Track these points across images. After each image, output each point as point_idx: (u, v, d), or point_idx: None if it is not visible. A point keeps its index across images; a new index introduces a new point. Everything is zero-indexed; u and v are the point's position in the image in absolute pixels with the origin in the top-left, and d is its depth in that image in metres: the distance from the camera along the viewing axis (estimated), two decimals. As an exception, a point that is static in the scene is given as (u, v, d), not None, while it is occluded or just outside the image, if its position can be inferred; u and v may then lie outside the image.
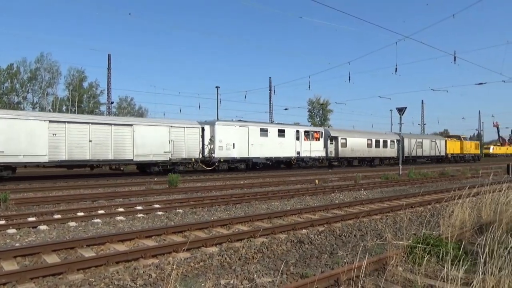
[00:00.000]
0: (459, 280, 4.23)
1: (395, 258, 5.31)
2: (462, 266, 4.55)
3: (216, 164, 25.62)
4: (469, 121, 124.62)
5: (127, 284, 4.89)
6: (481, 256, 4.19)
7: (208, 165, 25.52)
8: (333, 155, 34.35)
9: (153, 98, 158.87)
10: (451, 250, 5.30)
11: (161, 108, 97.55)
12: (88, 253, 6.32)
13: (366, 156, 37.32)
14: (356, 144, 35.97)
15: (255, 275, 5.19)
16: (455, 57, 21.04)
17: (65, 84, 56.66)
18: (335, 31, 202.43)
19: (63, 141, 19.71)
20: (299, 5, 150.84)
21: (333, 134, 34.67)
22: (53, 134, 19.36)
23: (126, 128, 22.00)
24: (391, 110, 66.99)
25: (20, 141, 18.46)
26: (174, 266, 4.94)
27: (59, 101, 55.20)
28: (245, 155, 27.01)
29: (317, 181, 18.82)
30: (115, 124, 21.69)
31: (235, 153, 26.44)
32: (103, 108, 55.41)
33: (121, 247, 6.70)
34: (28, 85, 54.10)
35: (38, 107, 53.84)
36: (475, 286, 3.61)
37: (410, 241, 5.74)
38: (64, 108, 55.14)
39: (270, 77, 68.50)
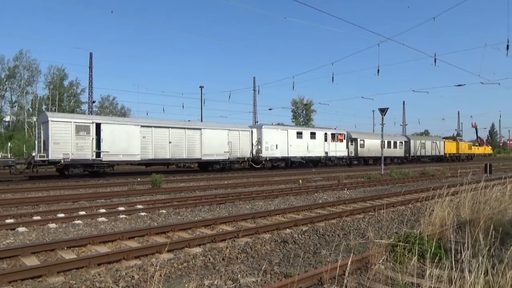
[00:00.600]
0: (439, 277, 4.33)
1: (377, 257, 5.39)
2: (441, 264, 4.66)
3: (263, 162, 29.54)
4: (449, 121, 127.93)
5: (109, 286, 4.81)
6: (461, 254, 4.29)
7: (256, 163, 29.45)
8: (353, 154, 38.63)
9: (135, 97, 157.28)
10: (432, 248, 5.41)
11: (144, 108, 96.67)
12: (69, 255, 6.19)
13: (380, 156, 39.50)
14: (372, 145, 40.25)
15: (239, 275, 5.19)
16: (435, 59, 21.49)
17: (45, 82, 55.47)
18: (319, 32, 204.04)
19: (150, 143, 23.72)
20: (283, 5, 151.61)
21: (353, 136, 39.15)
22: (143, 137, 23.35)
23: (196, 132, 26.15)
24: (373, 111, 68.13)
25: (120, 143, 22.52)
26: (157, 267, 4.91)
27: (38, 100, 53.99)
28: (285, 154, 31.11)
29: (300, 181, 18.93)
30: (187, 128, 25.89)
31: (278, 153, 30.62)
32: (84, 107, 54.48)
33: (103, 249, 6.59)
34: (6, 83, 52.68)
35: (17, 106, 52.55)
36: (454, 284, 3.70)
37: (391, 240, 5.84)
38: (44, 107, 53.91)
39: (254, 77, 68.75)
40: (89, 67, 46.70)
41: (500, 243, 4.81)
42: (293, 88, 40.13)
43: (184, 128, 25.72)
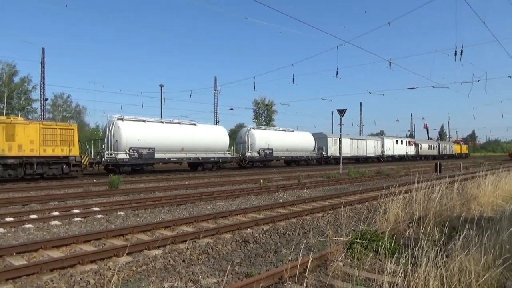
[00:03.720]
0: (393, 272, 4.51)
1: (336, 254, 5.54)
2: (396, 258, 4.85)
3: (384, 158, 52.38)
4: (402, 122, 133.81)
5: (62, 293, 4.61)
6: (414, 249, 4.50)
7: (381, 158, 52.06)
8: (415, 153, 60.31)
9: (92, 95, 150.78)
10: (387, 244, 5.64)
11: (100, 106, 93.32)
12: (19, 261, 5.86)
13: (427, 154, 64.24)
14: (424, 148, 63.98)
15: (200, 276, 5.14)
16: (390, 63, 22.30)
17: (-8, 78, 51.96)
18: (280, 33, 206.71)
19: (350, 147, 45.58)
20: (244, 5, 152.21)
21: (416, 141, 63.19)
22: (350, 144, 45.73)
23: (364, 141, 49.81)
24: (332, 112, 70.08)
25: (346, 147, 42.81)
26: (115, 271, 4.75)
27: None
28: (391, 154, 54.43)
29: (261, 180, 19.05)
30: (361, 139, 50.01)
31: (389, 153, 54.05)
32: (36, 105, 51.69)
33: (56, 254, 6.30)
34: None
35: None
36: (408, 277, 3.87)
37: (349, 237, 6.02)
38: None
39: (215, 77, 68.23)
40: (41, 63, 44.50)
41: (448, 237, 5.10)
42: (254, 88, 40.45)
43: (359, 139, 49.42)
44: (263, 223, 8.87)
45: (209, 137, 29.08)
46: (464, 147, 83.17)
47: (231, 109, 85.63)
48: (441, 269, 3.75)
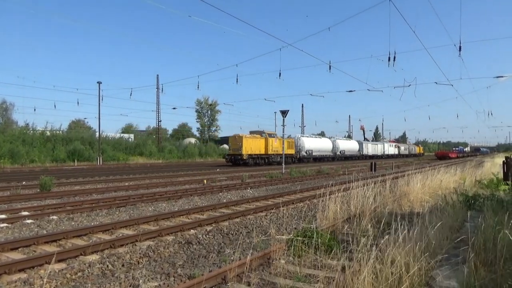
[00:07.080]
0: (332, 267, 4.70)
1: (278, 252, 5.66)
2: (334, 254, 5.07)
3: (384, 156, 76.24)
4: (341, 124, 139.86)
5: (-15, 306, 4.23)
6: (351, 245, 4.73)
7: (383, 156, 72.54)
8: (398, 153, 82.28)
9: (21, 91, 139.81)
10: (326, 240, 5.86)
11: (30, 103, 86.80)
12: None
13: (403, 153, 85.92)
14: (402, 149, 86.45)
15: (141, 281, 4.98)
16: (330, 66, 23.10)
17: None
18: (224, 33, 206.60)
19: (372, 149, 71.73)
20: (188, 3, 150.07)
21: (398, 145, 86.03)
22: (371, 147, 72.69)
23: (377, 145, 77.35)
24: (275, 112, 71.41)
25: (370, 149, 72.13)
26: (45, 280, 4.45)
27: None
28: (388, 153, 77.51)
29: (205, 181, 18.90)
30: (375, 144, 77.47)
31: (387, 152, 77.39)
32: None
33: (-22, 263, 5.75)
34: None
35: None
36: (344, 271, 4.06)
37: (291, 235, 6.18)
38: None
39: (157, 75, 66.65)
40: (-39, 54, 40.39)
41: (381, 232, 5.41)
42: (198, 87, 39.85)
43: (374, 144, 72.13)
44: (206, 224, 8.81)
45: (325, 144, 54.64)
46: (421, 148, 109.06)
47: (174, 108, 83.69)
48: (374, 262, 3.98)
